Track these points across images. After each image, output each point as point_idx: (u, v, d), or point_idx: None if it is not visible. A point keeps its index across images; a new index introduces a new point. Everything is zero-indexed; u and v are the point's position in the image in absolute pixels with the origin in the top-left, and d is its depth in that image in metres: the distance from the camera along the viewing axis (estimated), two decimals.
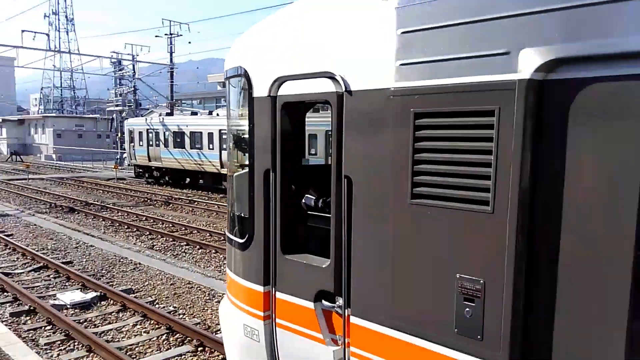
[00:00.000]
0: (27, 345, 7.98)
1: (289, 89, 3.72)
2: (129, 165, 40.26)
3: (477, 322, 2.71)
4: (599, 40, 2.22)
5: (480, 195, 2.63)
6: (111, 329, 8.84)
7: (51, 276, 12.06)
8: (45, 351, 8.03)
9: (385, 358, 3.19)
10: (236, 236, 4.42)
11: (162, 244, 15.62)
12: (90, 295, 10.36)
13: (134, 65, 49.40)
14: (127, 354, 7.81)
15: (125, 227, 18.10)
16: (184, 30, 45.84)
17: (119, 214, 20.93)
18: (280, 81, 3.76)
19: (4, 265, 13.00)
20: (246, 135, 4.09)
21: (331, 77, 3.38)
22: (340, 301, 3.50)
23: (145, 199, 25.56)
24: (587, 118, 2.29)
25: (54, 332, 8.75)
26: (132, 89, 49.57)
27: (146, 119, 35.88)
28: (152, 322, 9.07)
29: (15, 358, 7.35)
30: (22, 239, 15.93)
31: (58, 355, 7.91)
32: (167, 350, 8.02)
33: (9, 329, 8.60)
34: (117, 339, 8.45)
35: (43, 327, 8.94)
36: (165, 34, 45.40)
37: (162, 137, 32.55)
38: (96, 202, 23.65)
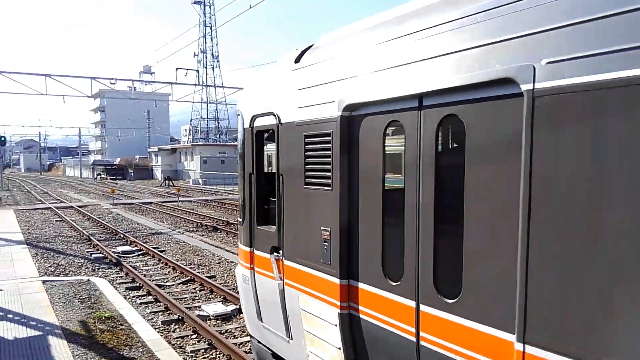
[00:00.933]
0: (176, 351, 8.56)
1: (258, 123, 6.04)
2: None
3: (328, 254, 4.74)
4: (362, 95, 4.23)
5: (327, 181, 4.69)
6: (249, 341, 9.18)
7: (197, 289, 12.97)
8: (191, 358, 8.56)
9: (297, 282, 5.30)
10: (240, 218, 6.74)
11: None
12: (231, 307, 10.92)
13: None
14: None
15: None
16: None
17: None
18: (254, 117, 6.08)
19: (158, 277, 14.28)
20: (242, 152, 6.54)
21: (273, 114, 5.60)
22: (280, 252, 5.61)
23: None
24: (363, 135, 4.35)
25: (198, 341, 9.32)
26: None
27: None
28: None
29: None
30: (172, 254, 17.43)
31: None
32: None
33: (161, 335, 9.32)
34: None
35: (189, 336, 9.58)
36: None
37: None
38: (236, 222, 25.18)
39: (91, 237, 20.14)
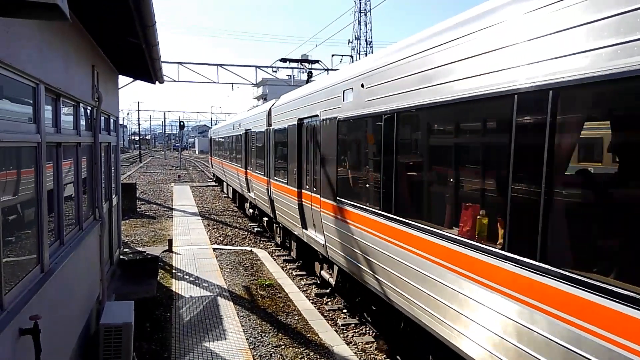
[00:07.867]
0: (328, 323, 8.92)
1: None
2: None
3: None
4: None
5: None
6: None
7: None
8: (342, 331, 8.86)
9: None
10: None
11: None
12: None
13: None
14: None
15: None
16: None
17: None
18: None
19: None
20: None
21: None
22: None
23: None
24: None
25: (349, 316, 9.60)
26: None
27: None
28: None
29: (318, 332, 8.30)
30: None
31: (352, 336, 8.63)
32: None
33: (315, 307, 9.77)
34: None
35: (340, 310, 9.90)
36: None
37: None
38: None
39: (254, 213, 21.77)
